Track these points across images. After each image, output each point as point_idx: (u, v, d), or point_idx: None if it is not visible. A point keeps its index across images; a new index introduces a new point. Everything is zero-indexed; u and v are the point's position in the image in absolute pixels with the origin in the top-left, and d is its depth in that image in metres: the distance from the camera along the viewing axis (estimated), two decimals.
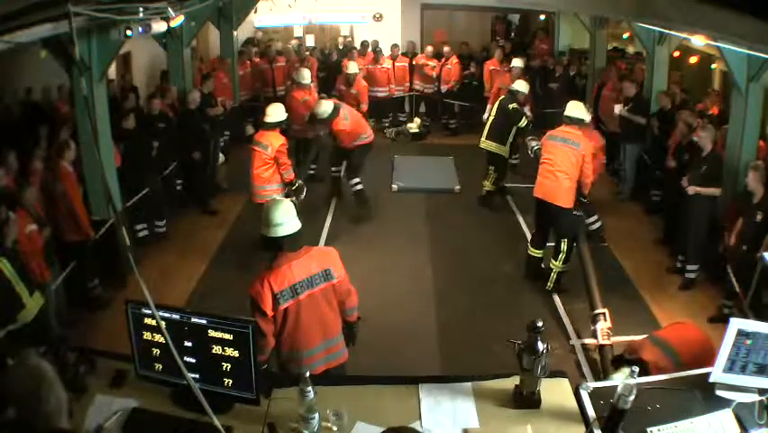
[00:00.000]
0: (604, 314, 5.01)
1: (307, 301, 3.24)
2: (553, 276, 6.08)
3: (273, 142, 6.31)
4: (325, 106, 7.21)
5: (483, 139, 7.92)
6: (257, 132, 10.88)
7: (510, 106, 7.63)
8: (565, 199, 5.83)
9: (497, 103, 7.94)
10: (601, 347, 4.86)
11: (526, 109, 8.32)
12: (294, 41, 12.17)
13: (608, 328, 4.89)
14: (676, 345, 3.64)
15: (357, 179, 7.70)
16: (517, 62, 9.13)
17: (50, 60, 5.50)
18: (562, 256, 5.99)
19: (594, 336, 5.00)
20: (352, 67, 9.36)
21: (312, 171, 8.82)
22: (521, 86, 7.83)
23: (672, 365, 3.38)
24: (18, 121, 6.99)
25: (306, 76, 8.54)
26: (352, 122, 7.36)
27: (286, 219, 3.21)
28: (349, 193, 7.95)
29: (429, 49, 11.47)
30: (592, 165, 5.94)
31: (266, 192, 6.27)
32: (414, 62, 11.54)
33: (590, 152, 5.89)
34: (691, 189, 6.08)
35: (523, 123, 7.64)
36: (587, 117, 6.15)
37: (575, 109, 6.03)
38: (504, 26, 13.37)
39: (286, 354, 3.33)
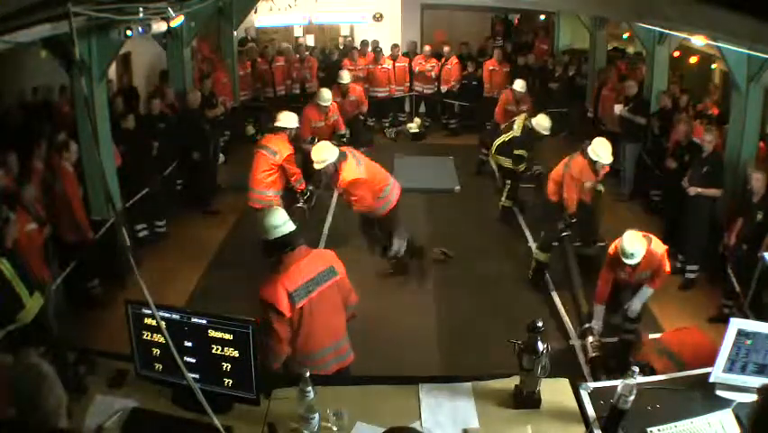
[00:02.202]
0: (590, 328, 5.05)
1: (318, 300, 3.27)
2: (533, 263, 6.42)
3: (282, 150, 6.11)
4: (326, 153, 5.58)
5: (492, 153, 7.78)
6: (257, 132, 11.01)
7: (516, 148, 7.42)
8: (548, 193, 6.36)
9: (521, 124, 7.38)
10: (592, 359, 4.90)
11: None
12: (284, 44, 11.94)
13: (597, 341, 4.96)
14: (679, 351, 3.66)
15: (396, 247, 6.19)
16: (519, 85, 8.64)
17: (50, 60, 5.50)
18: (537, 244, 6.48)
19: (584, 350, 5.05)
20: (345, 77, 8.87)
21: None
22: (542, 120, 7.23)
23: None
24: (20, 121, 6.99)
25: (325, 97, 7.58)
26: (367, 169, 5.70)
27: (284, 221, 3.31)
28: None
29: (426, 48, 11.43)
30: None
31: (265, 198, 6.07)
32: (411, 65, 11.49)
33: (572, 176, 6.03)
34: (692, 190, 6.09)
35: (518, 150, 7.38)
36: (603, 160, 5.94)
37: (601, 147, 5.90)
38: (503, 26, 13.37)
39: (300, 356, 3.31)
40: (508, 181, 7.74)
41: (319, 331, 3.31)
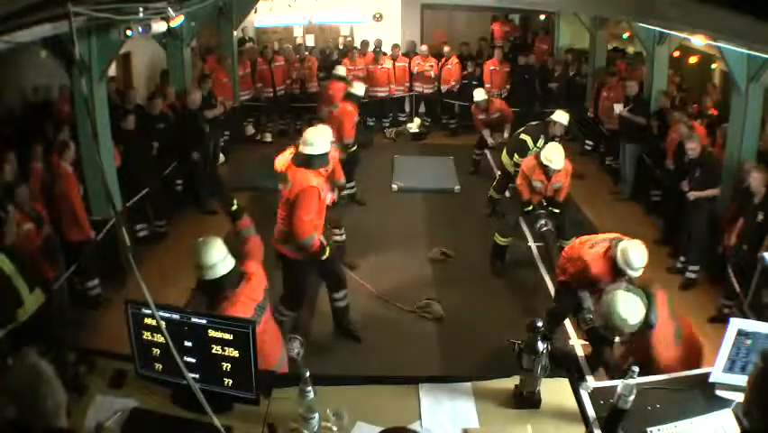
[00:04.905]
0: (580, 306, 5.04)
1: (266, 320, 3.29)
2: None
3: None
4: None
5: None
6: (256, 132, 11.00)
7: (522, 137, 7.32)
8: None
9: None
10: (587, 331, 4.91)
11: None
12: (279, 44, 11.89)
13: (589, 312, 4.82)
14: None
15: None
16: (477, 95, 8.67)
17: (50, 60, 5.50)
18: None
19: (578, 325, 5.06)
20: (341, 70, 8.90)
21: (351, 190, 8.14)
22: (561, 117, 7.13)
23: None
24: (20, 120, 6.99)
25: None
26: None
27: (221, 257, 3.08)
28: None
29: (423, 48, 11.43)
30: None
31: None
32: (411, 66, 11.49)
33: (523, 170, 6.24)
34: (692, 195, 6.12)
35: (516, 157, 7.28)
36: (554, 165, 5.92)
37: (553, 152, 5.94)
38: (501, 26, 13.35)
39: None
40: (499, 172, 7.88)
41: (272, 342, 3.39)
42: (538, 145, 7.16)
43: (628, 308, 3.15)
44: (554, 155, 5.92)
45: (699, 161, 6.20)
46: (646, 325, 3.18)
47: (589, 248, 4.45)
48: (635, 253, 4.13)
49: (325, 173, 5.07)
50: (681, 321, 3.48)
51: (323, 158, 4.83)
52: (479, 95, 8.74)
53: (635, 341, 3.31)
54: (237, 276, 3.12)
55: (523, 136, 7.34)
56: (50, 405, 1.92)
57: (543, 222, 6.26)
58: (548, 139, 7.12)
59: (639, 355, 3.24)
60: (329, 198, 5.06)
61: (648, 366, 3.15)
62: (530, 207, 6.33)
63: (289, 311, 5.04)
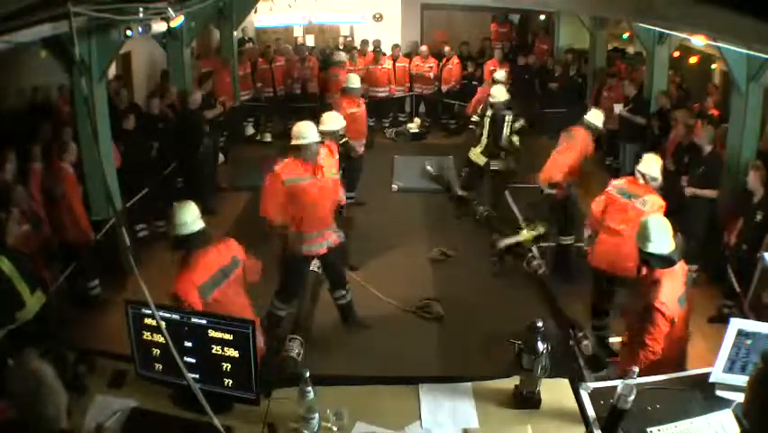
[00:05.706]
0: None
1: (225, 289, 3.41)
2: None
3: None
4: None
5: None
6: (256, 132, 10.99)
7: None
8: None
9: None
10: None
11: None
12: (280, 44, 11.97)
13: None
14: None
15: None
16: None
17: (50, 60, 5.50)
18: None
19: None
20: (342, 56, 9.25)
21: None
22: (498, 91, 7.52)
23: None
24: (20, 120, 6.98)
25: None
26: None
27: (193, 217, 3.42)
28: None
29: (423, 48, 11.43)
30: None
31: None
32: (411, 66, 11.49)
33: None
34: (689, 191, 6.10)
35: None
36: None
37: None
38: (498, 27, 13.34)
39: None
40: (466, 169, 7.94)
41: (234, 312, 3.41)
42: (487, 114, 7.52)
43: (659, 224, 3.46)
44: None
45: (704, 158, 6.19)
46: (668, 259, 3.32)
47: (641, 206, 4.82)
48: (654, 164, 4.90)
49: (317, 165, 4.92)
50: (688, 301, 3.50)
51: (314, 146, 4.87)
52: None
53: (649, 275, 3.41)
54: (205, 237, 3.43)
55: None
56: (50, 407, 1.93)
57: (537, 263, 6.40)
58: (491, 112, 7.47)
59: (646, 293, 3.31)
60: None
61: (648, 315, 3.22)
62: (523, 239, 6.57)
63: (283, 304, 5.15)
